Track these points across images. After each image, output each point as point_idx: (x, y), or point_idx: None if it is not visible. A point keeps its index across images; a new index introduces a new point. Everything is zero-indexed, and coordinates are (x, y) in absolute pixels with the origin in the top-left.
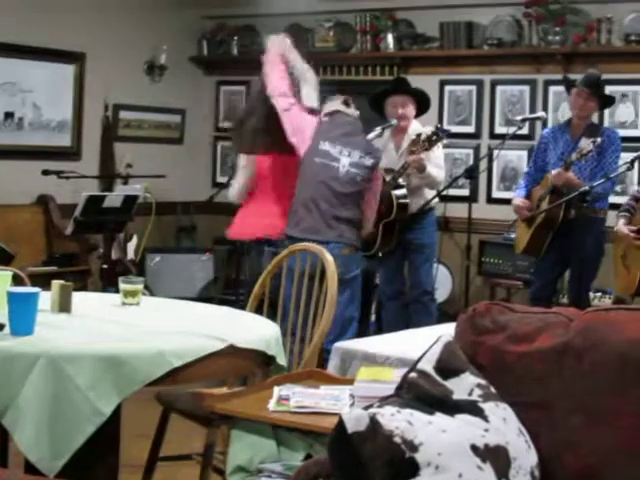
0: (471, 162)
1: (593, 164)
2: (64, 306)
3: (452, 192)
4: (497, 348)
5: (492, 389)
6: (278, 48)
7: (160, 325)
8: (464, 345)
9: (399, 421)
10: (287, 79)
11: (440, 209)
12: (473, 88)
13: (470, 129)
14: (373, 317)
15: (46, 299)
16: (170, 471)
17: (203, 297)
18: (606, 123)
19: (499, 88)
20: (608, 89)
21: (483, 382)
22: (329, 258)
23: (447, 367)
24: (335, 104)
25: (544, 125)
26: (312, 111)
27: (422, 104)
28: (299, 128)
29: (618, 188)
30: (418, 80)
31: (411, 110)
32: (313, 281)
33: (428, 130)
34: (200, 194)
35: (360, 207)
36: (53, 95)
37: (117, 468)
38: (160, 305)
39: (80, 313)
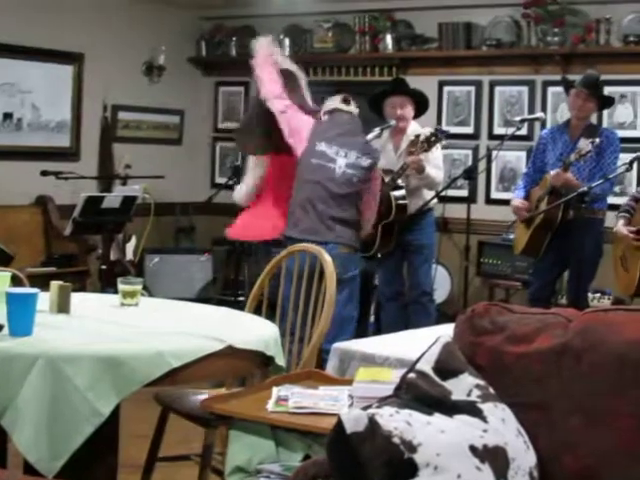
0: (470, 163)
1: (592, 165)
2: (63, 307)
3: (451, 193)
4: (496, 349)
5: (491, 390)
6: (266, 50)
7: (159, 326)
8: (463, 346)
9: (398, 422)
10: (279, 80)
11: (439, 210)
12: (472, 89)
13: (469, 130)
14: (372, 318)
15: (45, 300)
16: (169, 471)
17: (202, 298)
18: (605, 124)
19: (498, 89)
20: (607, 90)
21: (482, 383)
22: (327, 259)
23: (446, 368)
24: (334, 102)
25: (543, 126)
26: (309, 111)
27: (421, 105)
28: (296, 129)
29: (617, 189)
30: (417, 81)
31: (410, 111)
32: (312, 282)
33: (427, 131)
34: (199, 195)
35: (358, 208)
36: (52, 96)
37: (116, 468)
38: (159, 306)
39: (79, 314)
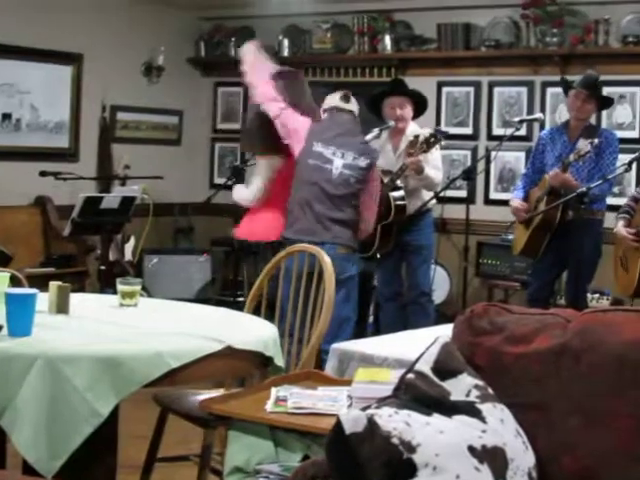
0: (469, 163)
1: (591, 165)
2: (62, 307)
3: (450, 193)
4: (495, 349)
5: (489, 390)
6: (253, 54)
7: (158, 326)
8: (462, 346)
9: (397, 422)
10: (271, 82)
11: (438, 210)
12: (471, 89)
13: (468, 130)
14: (371, 318)
15: (44, 300)
16: (168, 472)
17: (201, 298)
18: (604, 124)
19: (497, 89)
20: (606, 90)
21: (481, 383)
22: (327, 259)
23: (445, 368)
24: (334, 100)
25: (542, 126)
26: (307, 111)
27: (419, 105)
28: (293, 129)
29: (616, 189)
30: (415, 81)
31: (409, 111)
32: (311, 282)
33: (426, 132)
34: (198, 195)
35: (356, 208)
36: (51, 96)
37: (115, 469)
38: (158, 306)
39: (78, 314)
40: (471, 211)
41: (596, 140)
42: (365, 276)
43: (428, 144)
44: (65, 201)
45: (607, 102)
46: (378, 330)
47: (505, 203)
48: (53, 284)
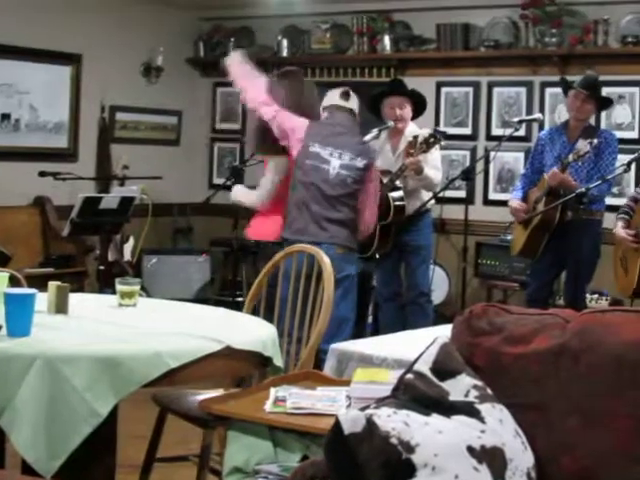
0: (468, 164)
1: (590, 166)
2: (61, 307)
3: (449, 194)
4: (493, 350)
5: (488, 390)
6: (237, 61)
7: (157, 326)
8: (460, 347)
9: (395, 422)
10: (262, 85)
11: (437, 211)
12: (470, 90)
13: (467, 131)
14: (370, 319)
15: (43, 300)
16: (167, 472)
17: (200, 298)
18: (603, 125)
19: (496, 90)
20: (605, 91)
21: (479, 383)
22: (326, 259)
23: (443, 368)
24: (333, 98)
25: (541, 127)
26: (305, 112)
27: (419, 105)
28: (290, 129)
29: (615, 190)
30: (415, 82)
31: (408, 111)
32: (310, 282)
33: (425, 132)
34: (196, 195)
35: (354, 208)
36: (50, 96)
37: (114, 469)
38: (157, 306)
39: (77, 314)
40: (470, 211)
41: (595, 140)
42: (364, 276)
43: (428, 144)
44: (64, 201)
45: (606, 103)
46: (377, 330)
47: (504, 203)
48: (52, 284)
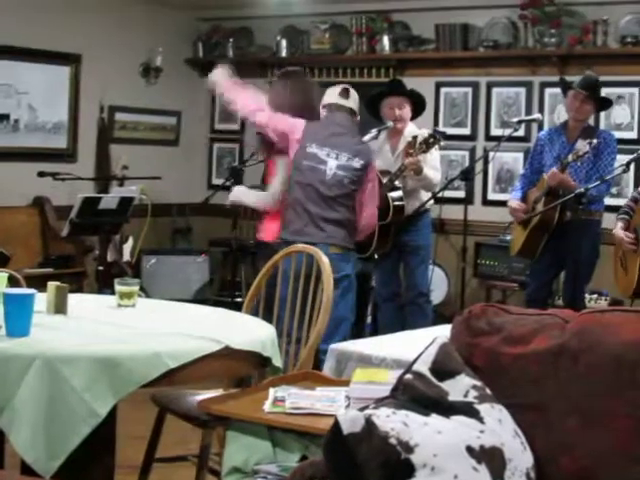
0: (467, 164)
1: (589, 166)
2: (60, 308)
3: (448, 194)
4: (493, 350)
5: (488, 391)
6: (222, 75)
7: (156, 327)
8: (460, 347)
9: (395, 422)
10: (248, 94)
11: (436, 211)
12: (469, 90)
13: (466, 131)
14: (369, 319)
15: (42, 301)
16: (166, 472)
17: (199, 299)
18: (602, 125)
19: (495, 90)
20: (604, 91)
21: (479, 384)
22: (325, 260)
23: (443, 369)
24: (333, 96)
25: (540, 127)
26: (306, 111)
27: (418, 106)
28: (288, 130)
29: (614, 190)
30: (414, 82)
31: (407, 112)
32: (309, 282)
33: (424, 132)
34: (196, 196)
35: (352, 208)
36: (49, 97)
37: (113, 469)
38: (156, 307)
39: (76, 315)
40: (469, 212)
41: (595, 141)
42: (363, 277)
43: (427, 144)
44: (63, 202)
45: (606, 103)
46: (376, 330)
47: (503, 204)
48: (51, 284)
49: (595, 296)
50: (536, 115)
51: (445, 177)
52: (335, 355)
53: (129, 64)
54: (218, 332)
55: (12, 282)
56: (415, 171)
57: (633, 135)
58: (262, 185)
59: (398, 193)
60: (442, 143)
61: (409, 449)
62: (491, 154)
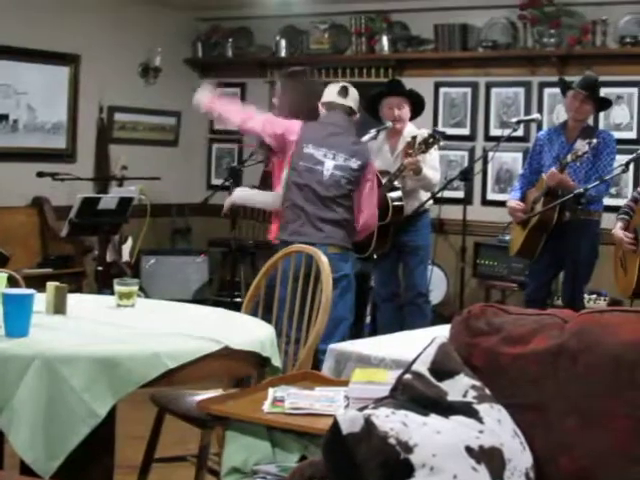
0: (466, 164)
1: (588, 166)
2: (59, 308)
3: (447, 194)
4: (492, 350)
5: (487, 391)
6: (207, 94)
7: (155, 327)
8: (459, 347)
9: (394, 422)
10: (236, 106)
11: (435, 211)
12: (468, 90)
13: (465, 131)
14: (368, 319)
15: (41, 301)
16: (165, 472)
17: (198, 299)
18: (601, 125)
19: (494, 90)
20: (603, 91)
21: (478, 384)
22: (324, 260)
23: (442, 369)
24: (332, 94)
25: (539, 127)
26: (306, 112)
27: (417, 106)
28: (286, 132)
29: (613, 190)
30: (413, 82)
31: (407, 112)
32: (308, 283)
33: (423, 132)
34: (195, 196)
35: (350, 209)
36: (48, 97)
37: (112, 469)
38: (155, 307)
39: (75, 315)
40: (468, 212)
41: (594, 141)
42: (362, 277)
43: (427, 144)
44: (62, 202)
45: (605, 103)
46: (375, 331)
47: (502, 204)
48: (50, 285)
49: (594, 296)
50: (535, 115)
51: (444, 177)
52: (334, 355)
53: (128, 64)
54: (217, 332)
55: (11, 282)
56: (414, 171)
57: (632, 135)
58: (261, 186)
59: (397, 193)
60: (441, 143)
61: (408, 449)
62: (490, 154)
